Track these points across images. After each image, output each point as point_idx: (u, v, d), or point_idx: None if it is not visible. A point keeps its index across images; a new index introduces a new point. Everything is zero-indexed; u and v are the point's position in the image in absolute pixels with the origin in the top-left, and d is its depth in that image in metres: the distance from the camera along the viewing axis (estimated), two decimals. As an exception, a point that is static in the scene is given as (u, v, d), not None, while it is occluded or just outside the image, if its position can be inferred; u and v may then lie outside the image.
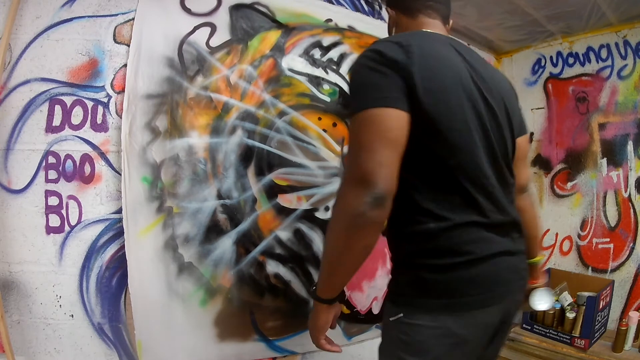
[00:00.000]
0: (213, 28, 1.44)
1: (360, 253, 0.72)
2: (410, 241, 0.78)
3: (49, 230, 1.24)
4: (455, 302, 0.75)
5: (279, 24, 1.58)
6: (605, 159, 2.10)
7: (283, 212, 1.54)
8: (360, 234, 0.69)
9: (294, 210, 1.57)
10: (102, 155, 1.29)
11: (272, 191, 1.52)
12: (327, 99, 1.66)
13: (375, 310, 1.83)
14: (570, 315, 1.88)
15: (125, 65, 1.30)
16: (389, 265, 1.86)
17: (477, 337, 0.79)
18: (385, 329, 0.87)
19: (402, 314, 0.79)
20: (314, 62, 1.64)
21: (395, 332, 0.81)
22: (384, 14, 1.97)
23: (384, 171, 0.67)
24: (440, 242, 0.75)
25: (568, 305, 1.98)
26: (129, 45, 1.30)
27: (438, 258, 0.75)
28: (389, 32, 0.99)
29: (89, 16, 1.30)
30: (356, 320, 1.77)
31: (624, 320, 1.76)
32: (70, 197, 1.26)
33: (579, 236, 2.18)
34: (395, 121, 0.70)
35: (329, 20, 1.73)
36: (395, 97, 0.70)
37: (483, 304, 0.76)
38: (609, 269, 2.05)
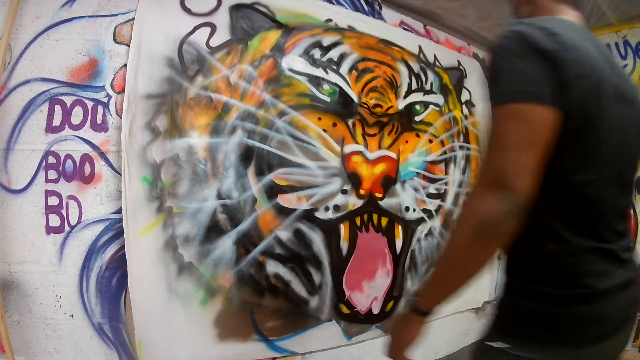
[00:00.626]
0: (213, 28, 1.44)
1: (482, 266, 0.63)
2: (529, 264, 0.70)
3: (49, 230, 1.24)
4: (569, 338, 0.66)
5: (279, 24, 1.58)
6: (605, 159, 2.09)
7: (283, 212, 1.54)
8: (490, 245, 0.60)
9: (294, 210, 1.57)
10: (102, 155, 1.29)
11: (272, 191, 1.52)
12: (327, 99, 1.66)
13: (375, 310, 1.83)
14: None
15: (125, 65, 1.30)
16: (389, 265, 1.86)
17: None
18: (479, 350, 0.77)
19: (510, 346, 0.68)
20: (314, 62, 1.64)
21: (488, 357, 0.72)
22: (384, 14, 1.97)
23: (528, 177, 0.58)
24: (561, 267, 0.66)
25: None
26: (129, 45, 1.30)
27: (555, 287, 0.65)
28: (517, 5, 0.81)
29: (89, 16, 1.30)
30: (356, 320, 1.77)
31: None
32: (70, 197, 1.26)
33: (579, 236, 2.17)
34: (544, 120, 0.59)
35: (329, 20, 1.73)
36: (547, 93, 0.59)
37: (594, 341, 0.67)
38: (609, 269, 2.04)
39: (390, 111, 1.85)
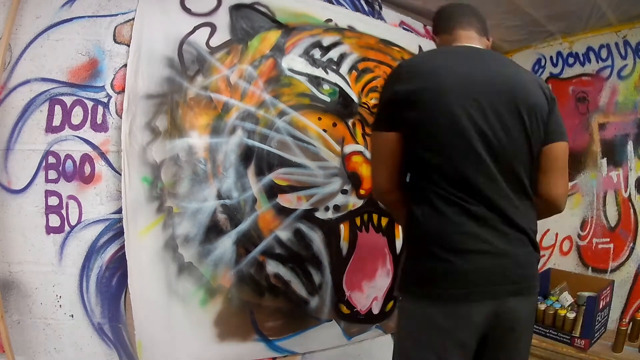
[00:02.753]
0: (213, 28, 1.44)
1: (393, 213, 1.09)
2: (406, 227, 0.95)
3: (49, 230, 1.24)
4: (428, 292, 0.85)
5: (279, 24, 1.58)
6: (605, 159, 2.10)
7: (283, 212, 1.54)
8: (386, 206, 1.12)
9: (294, 210, 1.57)
10: (102, 155, 1.29)
11: (272, 191, 1.52)
12: (327, 99, 1.66)
13: (375, 310, 1.83)
14: (570, 315, 1.87)
15: (125, 65, 1.30)
16: (389, 265, 1.86)
17: (462, 334, 0.84)
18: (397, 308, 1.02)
19: (400, 296, 0.94)
20: (314, 62, 1.64)
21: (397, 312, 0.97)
22: (384, 14, 1.97)
23: (378, 180, 0.96)
24: (419, 227, 0.87)
25: (568, 305, 1.98)
26: (129, 45, 1.30)
27: (414, 243, 0.90)
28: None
29: (89, 16, 1.30)
30: (356, 320, 1.77)
31: (624, 320, 1.76)
32: (70, 197, 1.26)
33: (579, 236, 2.18)
34: (384, 141, 0.91)
35: (329, 20, 1.73)
36: (387, 120, 0.91)
37: (458, 299, 0.82)
38: (609, 269, 2.05)
39: (390, 111, 1.84)
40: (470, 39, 0.99)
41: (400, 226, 1.04)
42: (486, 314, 0.84)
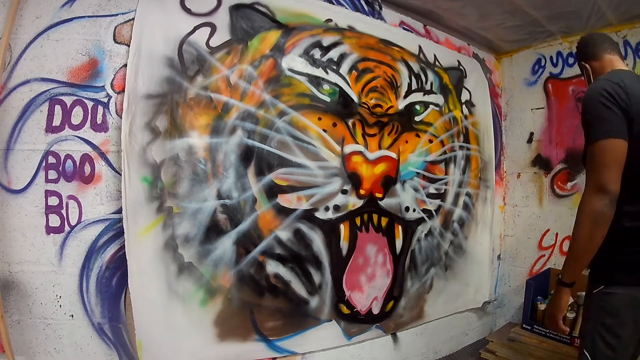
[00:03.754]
0: (213, 28, 1.44)
1: (598, 241, 0.98)
2: (613, 235, 1.00)
3: (49, 230, 1.24)
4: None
5: (279, 24, 1.58)
6: (605, 159, 2.09)
7: (283, 212, 1.54)
8: (601, 227, 0.97)
9: (294, 210, 1.57)
10: (102, 155, 1.29)
11: (272, 191, 1.52)
12: (327, 99, 1.66)
13: (375, 310, 1.83)
14: (570, 315, 1.88)
15: (125, 65, 1.30)
16: (389, 265, 1.86)
17: None
18: (588, 300, 1.11)
19: (602, 287, 1.03)
20: (314, 62, 1.64)
21: (597, 301, 1.05)
22: (384, 14, 1.97)
23: (616, 183, 0.96)
24: (633, 236, 1.01)
25: (568, 305, 1.98)
26: (129, 45, 1.30)
27: (630, 247, 1.01)
28: (589, 81, 1.22)
29: (89, 16, 1.30)
30: (356, 320, 1.77)
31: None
32: (70, 197, 1.26)
33: (579, 236, 2.17)
34: (623, 148, 0.97)
35: (329, 20, 1.73)
36: (622, 131, 0.97)
37: None
38: (609, 269, 2.04)
39: (390, 111, 1.85)
40: (623, 64, 1.16)
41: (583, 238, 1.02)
42: None
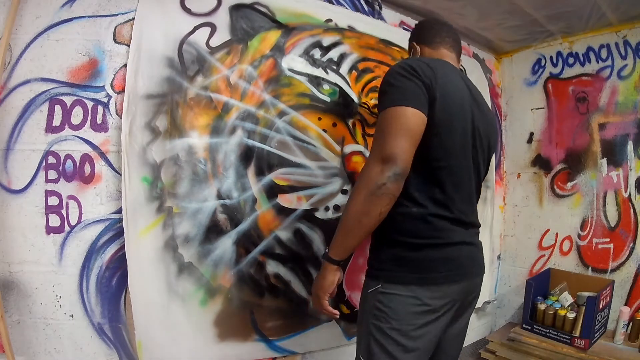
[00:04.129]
0: (213, 28, 1.44)
1: (375, 219, 0.88)
2: (395, 221, 0.93)
3: (49, 230, 1.24)
4: (427, 277, 0.92)
5: (279, 24, 1.58)
6: (605, 159, 2.10)
7: (283, 212, 1.54)
8: (378, 202, 0.86)
9: (294, 210, 1.57)
10: (102, 155, 1.29)
11: (272, 191, 1.52)
12: (327, 99, 1.66)
13: (375, 310, 1.83)
14: (571, 315, 1.88)
15: (125, 65, 1.30)
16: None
17: (445, 308, 0.95)
18: (362, 301, 1.00)
19: (379, 285, 0.94)
20: (314, 62, 1.64)
21: (371, 302, 0.95)
22: (384, 14, 1.97)
23: (405, 154, 0.85)
24: (418, 225, 0.93)
25: (568, 305, 1.98)
26: (129, 45, 1.30)
27: (414, 238, 0.92)
28: (410, 53, 1.18)
29: (89, 16, 1.30)
30: (356, 321, 1.76)
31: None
32: (70, 197, 1.26)
33: (579, 236, 2.18)
34: (417, 119, 0.87)
35: (329, 20, 1.73)
36: (420, 102, 0.88)
37: (447, 280, 0.94)
38: (609, 269, 2.05)
39: (390, 111, 1.84)
40: (454, 61, 1.13)
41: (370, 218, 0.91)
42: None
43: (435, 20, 1.24)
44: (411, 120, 0.86)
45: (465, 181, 0.99)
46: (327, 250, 0.97)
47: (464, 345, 2.27)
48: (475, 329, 2.38)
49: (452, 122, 0.93)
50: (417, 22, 2.07)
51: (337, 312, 1.02)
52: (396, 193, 0.87)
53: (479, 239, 1.11)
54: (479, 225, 1.11)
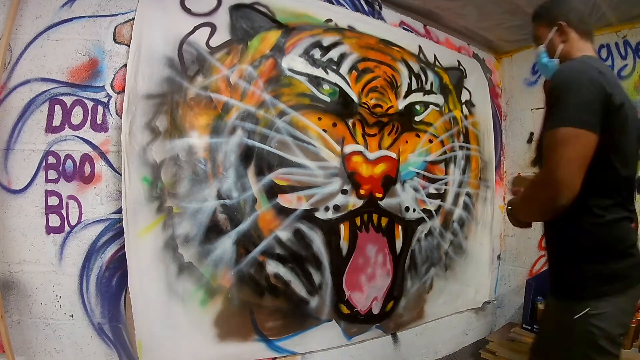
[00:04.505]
0: (213, 28, 1.44)
1: (538, 220, 1.04)
2: (589, 234, 0.91)
3: (49, 230, 1.24)
4: (627, 284, 0.90)
5: (279, 24, 1.58)
6: (605, 159, 2.09)
7: (283, 212, 1.54)
8: (541, 219, 1.00)
9: (294, 210, 1.57)
10: (102, 155, 1.29)
11: (272, 191, 1.52)
12: (327, 99, 1.66)
13: (375, 311, 1.83)
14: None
15: (125, 65, 1.30)
16: (389, 265, 1.86)
17: (633, 310, 0.96)
18: (567, 329, 0.91)
19: (589, 308, 0.87)
20: (314, 62, 1.64)
21: (581, 326, 0.88)
22: (384, 14, 1.97)
23: (574, 184, 0.82)
24: (613, 233, 0.91)
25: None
26: (129, 45, 1.30)
27: (614, 247, 0.91)
28: (553, 43, 1.04)
29: (89, 16, 1.30)
30: (356, 320, 1.77)
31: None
32: (70, 197, 1.26)
33: (579, 236, 2.17)
34: (592, 144, 0.83)
35: (329, 20, 1.73)
36: (594, 122, 0.83)
37: (633, 285, 0.91)
38: (609, 269, 2.04)
39: (390, 111, 1.85)
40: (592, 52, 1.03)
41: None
42: None
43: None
44: (586, 145, 0.82)
45: (633, 186, 0.96)
46: (509, 208, 1.07)
47: (463, 346, 2.29)
48: (475, 329, 2.38)
49: (626, 130, 0.89)
50: (417, 21, 2.09)
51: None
52: (557, 214, 0.87)
53: None
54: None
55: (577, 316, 0.87)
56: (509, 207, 1.07)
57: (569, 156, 0.81)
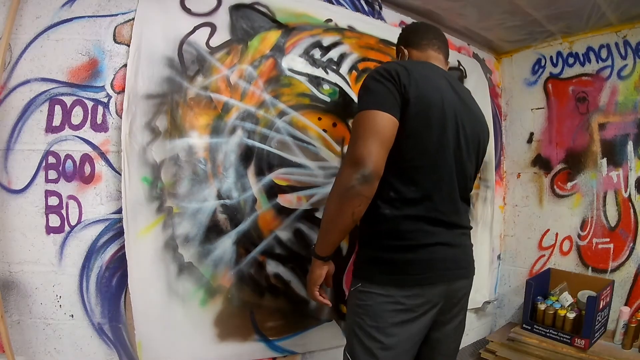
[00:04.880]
0: (213, 28, 1.44)
1: (349, 219, 0.91)
2: (371, 223, 0.97)
3: (49, 230, 1.24)
4: (400, 278, 0.95)
5: (279, 24, 1.58)
6: (605, 159, 2.10)
7: (283, 212, 1.54)
8: (349, 203, 0.89)
9: (294, 210, 1.57)
10: (102, 155, 1.29)
11: (272, 191, 1.52)
12: (327, 99, 1.66)
13: (375, 310, 1.83)
14: (570, 315, 1.88)
15: (125, 65, 1.30)
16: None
17: (422, 309, 0.97)
18: (348, 299, 1.07)
19: (359, 284, 1.00)
20: (314, 62, 1.64)
21: (353, 300, 1.02)
22: (384, 14, 1.97)
23: (373, 156, 0.87)
24: (391, 226, 0.95)
25: (568, 305, 1.98)
26: (129, 45, 1.30)
27: (388, 239, 0.96)
28: (396, 55, 1.21)
29: (89, 16, 1.30)
30: (356, 320, 1.77)
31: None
32: (70, 197, 1.26)
33: (579, 236, 2.18)
34: (387, 122, 0.90)
35: (329, 20, 1.73)
36: (391, 106, 0.91)
37: (421, 282, 0.96)
38: (609, 269, 2.05)
39: (390, 111, 1.84)
40: (441, 62, 1.14)
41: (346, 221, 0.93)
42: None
43: (422, 23, 1.27)
44: (380, 123, 0.89)
45: (445, 181, 0.99)
46: (313, 247, 1.03)
47: (463, 346, 2.28)
48: (475, 329, 2.38)
49: (429, 122, 0.94)
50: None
51: (328, 302, 1.09)
52: (367, 194, 0.89)
53: (468, 240, 1.12)
54: (467, 226, 1.11)
55: (352, 288, 1.03)
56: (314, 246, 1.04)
57: (366, 132, 0.89)
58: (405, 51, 1.16)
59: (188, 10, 1.40)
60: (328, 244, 0.99)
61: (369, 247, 1.01)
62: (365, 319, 0.96)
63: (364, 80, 0.98)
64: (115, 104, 1.31)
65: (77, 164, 1.27)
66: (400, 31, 1.25)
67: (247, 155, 1.47)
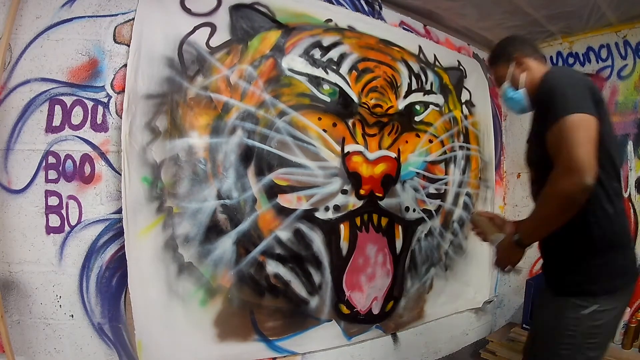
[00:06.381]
0: (213, 28, 1.44)
1: (562, 222, 0.92)
2: (598, 226, 0.95)
3: (49, 230, 1.24)
4: (627, 280, 0.97)
5: (279, 24, 1.58)
6: (605, 159, 2.09)
7: (283, 212, 1.54)
8: (570, 212, 0.90)
9: (294, 210, 1.57)
10: (102, 155, 1.29)
11: (272, 191, 1.52)
12: (327, 99, 1.66)
13: (375, 310, 1.83)
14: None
15: (125, 65, 1.30)
16: (389, 265, 1.86)
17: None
18: (566, 326, 0.97)
19: (597, 305, 0.93)
20: (314, 62, 1.64)
21: (581, 327, 0.94)
22: (384, 14, 1.97)
23: (593, 166, 0.85)
24: (618, 226, 0.97)
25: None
26: (129, 45, 1.30)
27: (621, 240, 0.97)
28: (515, 77, 1.14)
29: (89, 16, 1.30)
30: (356, 320, 1.77)
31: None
32: (70, 197, 1.26)
33: (579, 236, 2.17)
34: (595, 125, 0.88)
35: (329, 20, 1.73)
36: (593, 107, 0.90)
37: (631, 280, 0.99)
38: (609, 269, 2.05)
39: (390, 111, 1.85)
40: None
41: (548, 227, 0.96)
42: None
43: (519, 35, 1.27)
44: (592, 127, 0.88)
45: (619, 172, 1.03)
46: (519, 238, 1.03)
47: (463, 346, 2.29)
48: (475, 329, 2.38)
49: (606, 119, 0.97)
50: (417, 21, 2.09)
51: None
52: (584, 202, 0.88)
53: None
54: None
55: (585, 312, 0.93)
56: (497, 247, 1.10)
57: (582, 138, 0.85)
58: (527, 60, 1.13)
59: (188, 10, 1.40)
60: (536, 238, 1.05)
61: (590, 254, 0.96)
62: (597, 340, 0.95)
63: (553, 83, 0.96)
64: (115, 104, 1.31)
65: (77, 164, 1.27)
66: (509, 42, 1.19)
67: (247, 155, 1.47)
